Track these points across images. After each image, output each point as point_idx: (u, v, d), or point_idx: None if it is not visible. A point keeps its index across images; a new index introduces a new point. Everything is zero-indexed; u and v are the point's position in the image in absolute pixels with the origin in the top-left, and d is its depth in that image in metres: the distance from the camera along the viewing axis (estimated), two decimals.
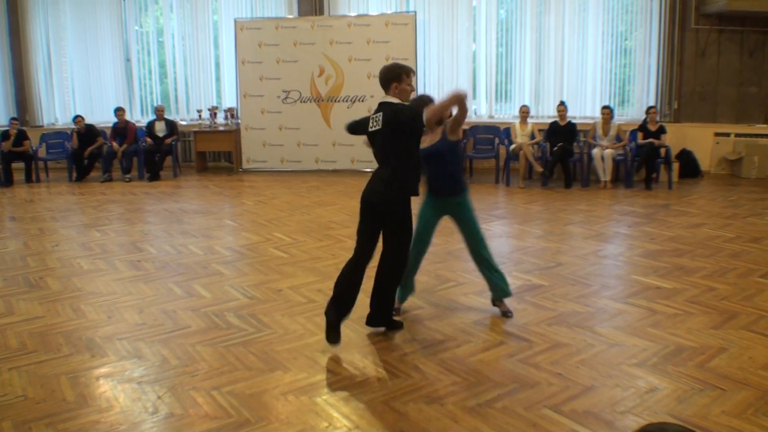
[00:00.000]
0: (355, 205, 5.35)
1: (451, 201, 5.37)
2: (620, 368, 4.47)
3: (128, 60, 15.16)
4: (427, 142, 5.20)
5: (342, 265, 5.11)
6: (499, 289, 5.50)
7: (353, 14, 13.64)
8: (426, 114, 4.65)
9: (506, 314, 5.51)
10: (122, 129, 13.54)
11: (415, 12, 13.13)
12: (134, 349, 4.98)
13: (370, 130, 4.96)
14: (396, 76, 4.89)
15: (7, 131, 13.17)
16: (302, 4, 14.12)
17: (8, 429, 3.84)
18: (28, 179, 13.34)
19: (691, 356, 4.64)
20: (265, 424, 3.85)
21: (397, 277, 5.13)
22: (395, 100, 4.87)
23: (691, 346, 4.80)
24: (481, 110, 14.00)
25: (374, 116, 4.92)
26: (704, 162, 12.82)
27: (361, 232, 5.00)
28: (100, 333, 5.31)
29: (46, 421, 3.91)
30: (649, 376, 4.33)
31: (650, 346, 4.82)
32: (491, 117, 13.78)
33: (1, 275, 6.97)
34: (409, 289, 5.61)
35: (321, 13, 13.97)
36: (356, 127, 5.22)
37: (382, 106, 4.89)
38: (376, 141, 4.96)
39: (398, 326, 5.28)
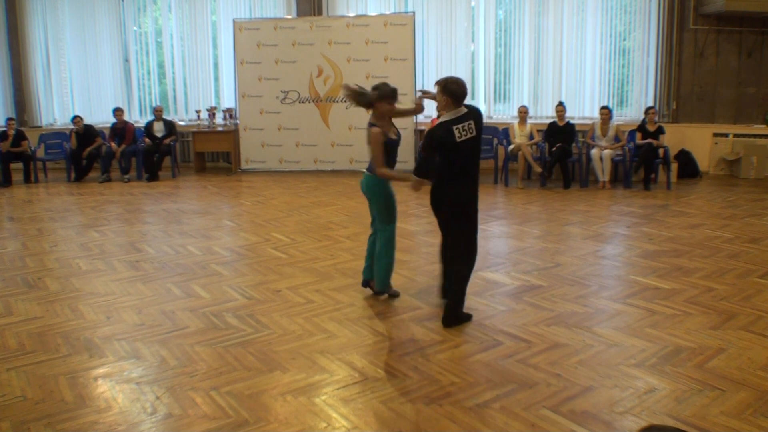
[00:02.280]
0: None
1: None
2: (619, 369, 4.47)
3: (127, 60, 15.15)
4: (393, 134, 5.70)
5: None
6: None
7: (352, 15, 13.64)
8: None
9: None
10: (121, 129, 13.53)
11: (414, 12, 13.12)
12: (133, 349, 4.99)
13: (459, 140, 5.16)
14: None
15: (5, 131, 13.16)
16: (301, 4, 14.12)
17: (7, 429, 3.84)
18: (27, 180, 13.33)
19: (689, 357, 4.64)
20: (264, 425, 3.85)
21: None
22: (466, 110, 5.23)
23: (689, 347, 4.81)
24: None
25: (462, 125, 5.15)
26: (703, 162, 12.83)
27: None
28: (98, 333, 5.31)
29: (44, 422, 3.91)
30: (647, 377, 4.34)
31: (649, 347, 4.82)
32: (490, 117, 13.74)
33: (0, 276, 6.96)
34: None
35: (319, 13, 13.97)
36: (433, 148, 5.34)
37: (468, 115, 5.20)
38: (462, 150, 5.22)
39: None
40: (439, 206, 5.50)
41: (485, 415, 3.91)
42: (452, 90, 5.14)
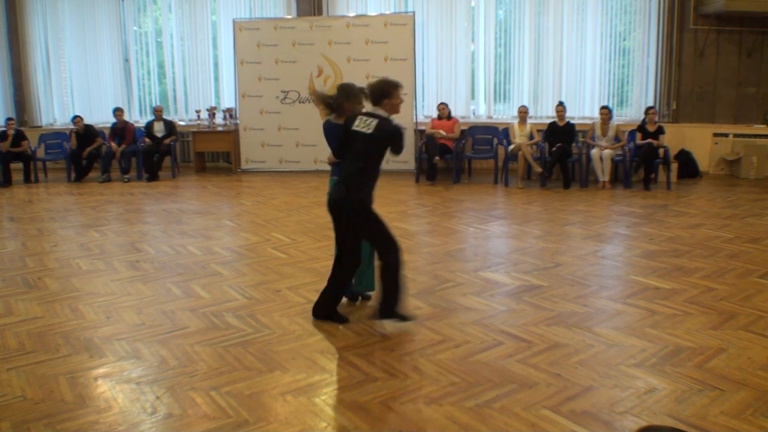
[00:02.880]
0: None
1: None
2: (619, 369, 4.47)
3: (127, 60, 15.15)
4: None
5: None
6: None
7: (352, 14, 13.64)
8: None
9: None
10: (121, 129, 13.54)
11: (414, 12, 13.12)
12: (133, 349, 4.98)
13: (354, 128, 5.18)
14: (387, 92, 5.20)
15: (4, 131, 13.16)
16: (301, 4, 14.12)
17: (7, 429, 3.84)
18: (27, 179, 13.33)
19: (689, 357, 4.64)
20: (264, 425, 3.85)
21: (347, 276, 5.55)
22: (384, 114, 5.19)
23: (689, 347, 4.81)
24: (479, 110, 14.00)
25: (365, 119, 5.16)
26: (703, 162, 12.83)
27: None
28: (98, 333, 5.31)
29: (44, 422, 3.90)
30: (647, 377, 4.33)
31: (649, 347, 4.82)
32: (490, 117, 13.78)
33: (0, 276, 6.96)
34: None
35: (320, 13, 13.97)
36: (335, 135, 5.48)
37: (376, 116, 5.18)
38: (355, 143, 5.21)
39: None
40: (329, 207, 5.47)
41: (485, 415, 3.91)
42: (370, 86, 5.28)
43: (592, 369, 4.48)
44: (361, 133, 5.12)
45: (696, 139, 12.84)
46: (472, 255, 7.50)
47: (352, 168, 5.21)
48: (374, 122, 5.10)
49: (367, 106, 5.36)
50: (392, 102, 5.21)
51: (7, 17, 15.19)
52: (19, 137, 13.26)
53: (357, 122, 5.17)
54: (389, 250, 5.18)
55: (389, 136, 5.13)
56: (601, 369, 4.47)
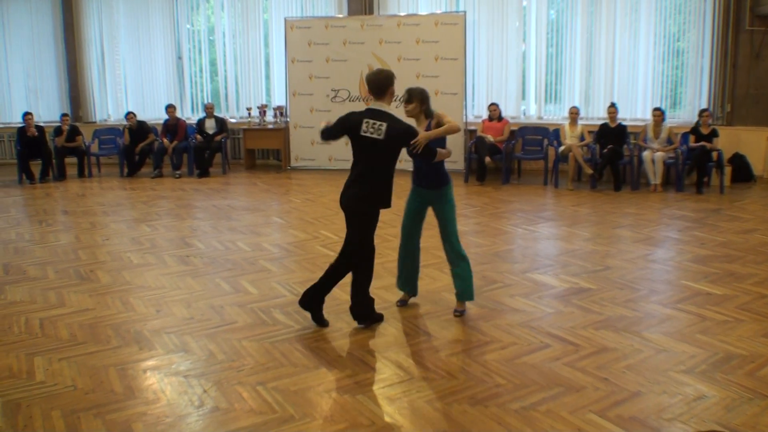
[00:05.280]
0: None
1: (434, 193, 5.49)
2: (668, 374, 4.41)
3: (179, 58, 15.38)
4: None
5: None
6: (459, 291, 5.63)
7: (403, 14, 13.63)
8: (423, 136, 5.02)
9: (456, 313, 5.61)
10: (173, 126, 13.73)
11: (465, 12, 13.07)
12: (181, 342, 5.06)
13: (364, 134, 5.05)
14: (392, 82, 5.11)
15: (60, 127, 13.46)
16: (352, 3, 14.16)
17: (57, 418, 3.92)
18: (81, 174, 13.61)
19: (740, 364, 4.55)
20: (309, 421, 3.88)
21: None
22: (389, 110, 5.08)
23: (741, 354, 4.72)
24: (530, 111, 13.90)
25: (372, 122, 5.03)
26: (757, 166, 12.55)
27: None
28: (148, 326, 5.39)
29: (94, 411, 3.98)
30: (697, 384, 4.27)
31: (699, 353, 4.74)
32: (540, 118, 13.67)
33: (53, 267, 7.11)
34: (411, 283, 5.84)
35: (370, 12, 14.00)
36: (337, 130, 5.33)
37: (382, 116, 5.03)
38: (363, 146, 5.12)
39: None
40: (340, 204, 5.59)
41: (531, 417, 3.89)
42: (367, 79, 5.20)
43: (641, 374, 4.42)
44: (371, 139, 5.08)
45: (750, 142, 12.58)
46: (520, 256, 7.45)
47: (369, 175, 5.31)
48: (382, 125, 5.01)
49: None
50: (393, 90, 5.18)
51: (63, 16, 15.55)
52: (74, 132, 13.55)
53: (363, 127, 5.06)
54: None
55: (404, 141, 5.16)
56: (650, 374, 4.41)
